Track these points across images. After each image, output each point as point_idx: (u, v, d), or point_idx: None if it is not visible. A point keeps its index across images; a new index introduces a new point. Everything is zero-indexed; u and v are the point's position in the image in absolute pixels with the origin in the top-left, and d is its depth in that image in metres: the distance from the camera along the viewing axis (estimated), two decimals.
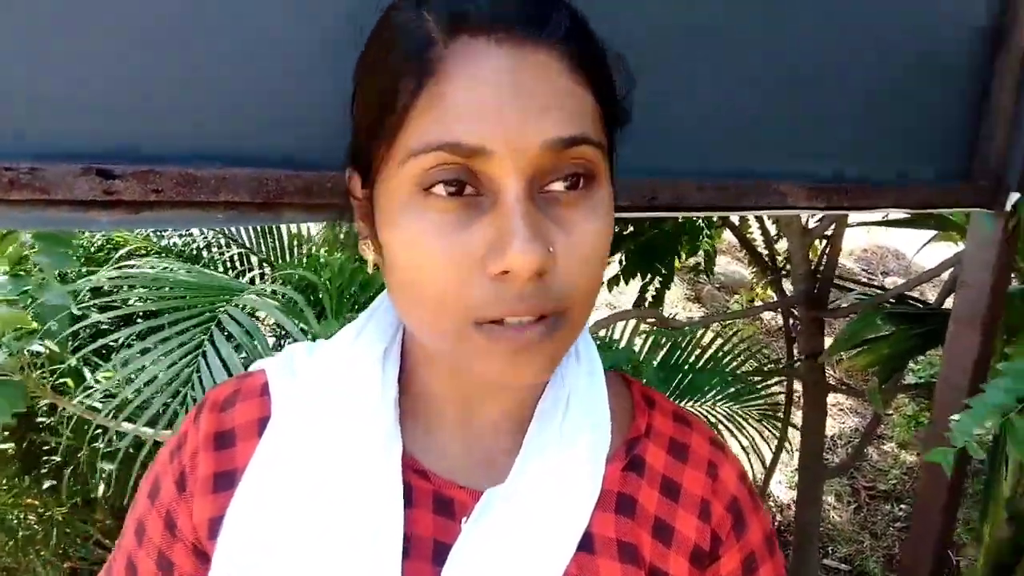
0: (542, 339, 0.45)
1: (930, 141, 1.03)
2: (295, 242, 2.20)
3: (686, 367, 1.93)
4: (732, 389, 1.96)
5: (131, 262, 1.78)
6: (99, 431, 1.51)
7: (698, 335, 2.03)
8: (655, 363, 1.85)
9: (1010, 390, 0.97)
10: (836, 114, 0.92)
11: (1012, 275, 1.23)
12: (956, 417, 0.97)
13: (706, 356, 1.98)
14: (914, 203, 1.03)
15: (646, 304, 2.38)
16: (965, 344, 1.16)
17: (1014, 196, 1.06)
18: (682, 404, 1.94)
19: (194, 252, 2.04)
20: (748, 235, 2.69)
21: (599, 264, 0.47)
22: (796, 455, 2.54)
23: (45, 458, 1.58)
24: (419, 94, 0.43)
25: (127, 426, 1.40)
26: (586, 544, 0.54)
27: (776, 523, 3.36)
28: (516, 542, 0.52)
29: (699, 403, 1.99)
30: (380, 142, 0.46)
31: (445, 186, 0.44)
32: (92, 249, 1.99)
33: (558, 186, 0.45)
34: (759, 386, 2.19)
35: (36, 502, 1.67)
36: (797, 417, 2.52)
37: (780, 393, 2.88)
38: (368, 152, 0.48)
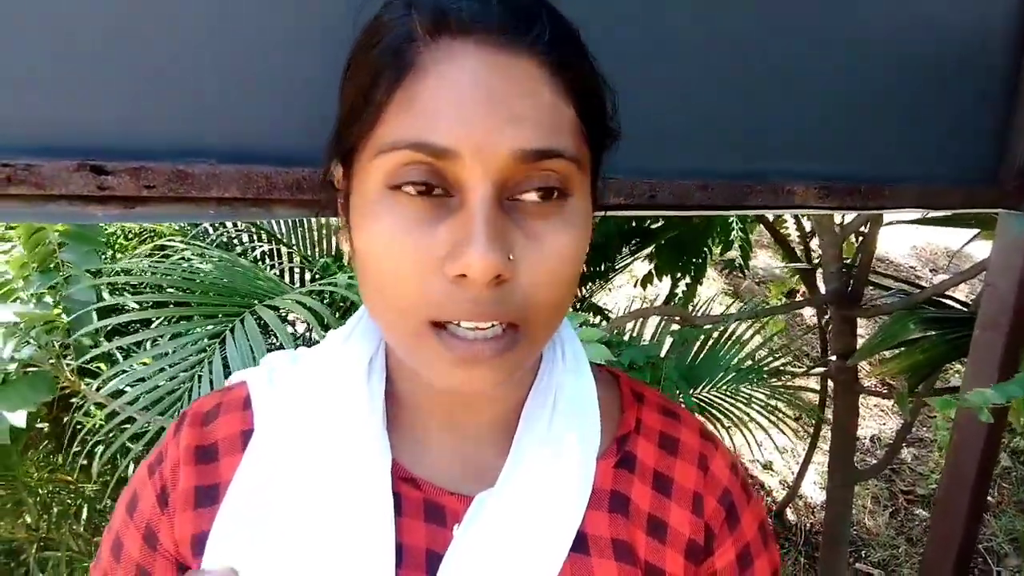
0: (495, 355, 0.44)
1: (954, 140, 0.99)
2: (323, 232, 2.21)
3: (706, 363, 1.89)
4: (741, 384, 1.91)
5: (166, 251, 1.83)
6: (128, 413, 1.56)
7: (724, 331, 1.99)
8: (674, 359, 1.82)
9: None
10: (853, 113, 0.89)
11: None
12: (976, 389, 0.95)
13: (730, 353, 1.94)
14: (936, 204, 0.99)
15: (676, 300, 2.35)
16: (989, 348, 1.12)
17: None
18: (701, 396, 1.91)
19: (224, 241, 2.08)
20: (783, 230, 2.63)
21: (567, 279, 0.46)
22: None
23: (78, 437, 1.65)
24: (395, 91, 0.43)
25: (155, 418, 1.44)
26: (580, 545, 0.53)
27: (808, 525, 3.31)
28: (508, 546, 0.51)
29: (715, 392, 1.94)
30: (358, 135, 0.46)
31: (414, 186, 0.43)
32: (128, 237, 2.04)
33: (530, 196, 0.44)
34: (784, 384, 2.13)
35: (69, 479, 1.73)
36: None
37: (814, 390, 2.82)
38: (347, 144, 0.48)
